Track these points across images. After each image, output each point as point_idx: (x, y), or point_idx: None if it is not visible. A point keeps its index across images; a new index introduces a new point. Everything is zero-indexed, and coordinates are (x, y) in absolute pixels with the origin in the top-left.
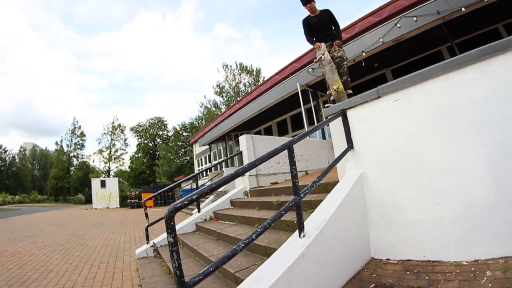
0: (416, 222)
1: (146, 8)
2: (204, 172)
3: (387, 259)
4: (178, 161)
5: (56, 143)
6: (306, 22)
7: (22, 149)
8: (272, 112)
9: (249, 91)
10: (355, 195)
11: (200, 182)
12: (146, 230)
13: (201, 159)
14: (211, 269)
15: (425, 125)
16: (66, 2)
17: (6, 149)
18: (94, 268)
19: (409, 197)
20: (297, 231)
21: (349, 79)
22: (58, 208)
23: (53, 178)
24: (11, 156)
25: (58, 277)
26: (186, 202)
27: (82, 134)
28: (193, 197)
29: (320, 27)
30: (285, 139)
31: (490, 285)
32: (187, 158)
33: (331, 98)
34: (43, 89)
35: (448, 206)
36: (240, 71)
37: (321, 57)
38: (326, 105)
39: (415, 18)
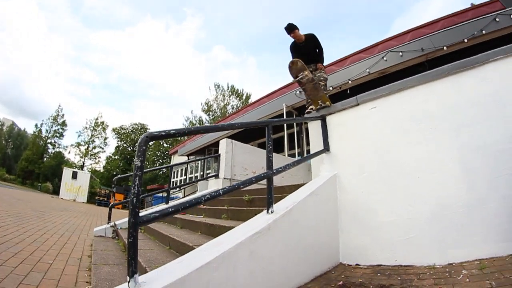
0: (388, 224)
1: (153, 15)
2: (177, 183)
3: (357, 264)
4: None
5: (36, 126)
6: (293, 48)
7: (0, 123)
8: (254, 132)
9: None
10: (328, 192)
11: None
12: (110, 209)
13: (177, 170)
14: (170, 210)
15: (400, 130)
16: None
17: None
18: (46, 236)
19: (382, 198)
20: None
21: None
22: (23, 190)
23: (24, 160)
24: None
25: (6, 233)
26: (163, 133)
27: (64, 124)
28: (171, 132)
29: (305, 52)
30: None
31: (467, 280)
32: (163, 170)
33: (310, 108)
34: (35, 71)
35: (422, 207)
36: (230, 93)
37: (301, 77)
38: (307, 111)
39: (400, 53)
